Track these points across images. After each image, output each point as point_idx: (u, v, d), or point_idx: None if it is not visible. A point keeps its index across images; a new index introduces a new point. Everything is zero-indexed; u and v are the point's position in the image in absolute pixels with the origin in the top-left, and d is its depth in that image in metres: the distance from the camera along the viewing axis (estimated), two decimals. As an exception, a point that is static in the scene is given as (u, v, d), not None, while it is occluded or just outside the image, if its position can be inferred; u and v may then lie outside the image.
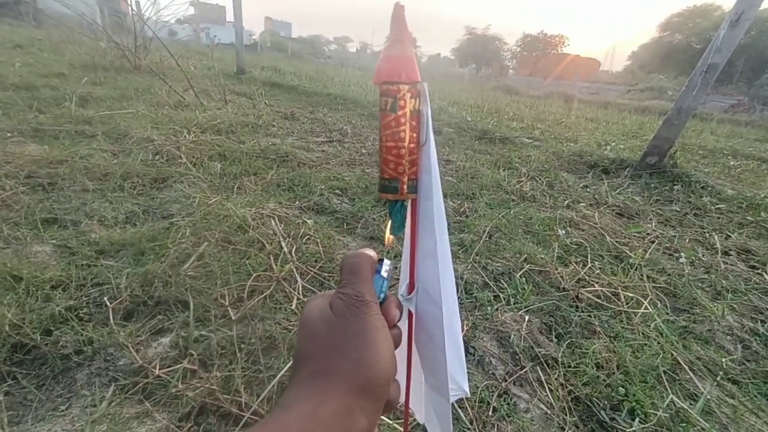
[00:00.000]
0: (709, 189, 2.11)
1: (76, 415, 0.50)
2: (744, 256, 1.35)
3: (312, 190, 1.46)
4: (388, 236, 0.26)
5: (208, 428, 0.50)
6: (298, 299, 0.79)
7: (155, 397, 0.54)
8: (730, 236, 1.48)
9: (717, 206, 1.89)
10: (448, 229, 0.81)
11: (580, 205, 1.64)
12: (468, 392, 0.31)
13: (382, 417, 0.49)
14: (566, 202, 1.71)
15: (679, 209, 1.79)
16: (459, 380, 0.30)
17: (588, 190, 1.96)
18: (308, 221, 1.10)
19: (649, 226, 1.55)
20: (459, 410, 0.61)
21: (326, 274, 0.92)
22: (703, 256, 1.32)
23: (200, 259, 0.84)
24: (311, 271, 0.91)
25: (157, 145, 1.65)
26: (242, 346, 0.64)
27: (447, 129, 3.29)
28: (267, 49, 32.55)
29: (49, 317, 0.64)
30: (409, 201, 0.25)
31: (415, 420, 0.33)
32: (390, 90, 0.22)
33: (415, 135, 0.23)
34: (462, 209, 1.45)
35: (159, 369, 0.57)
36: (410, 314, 0.28)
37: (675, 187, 2.05)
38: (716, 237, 1.43)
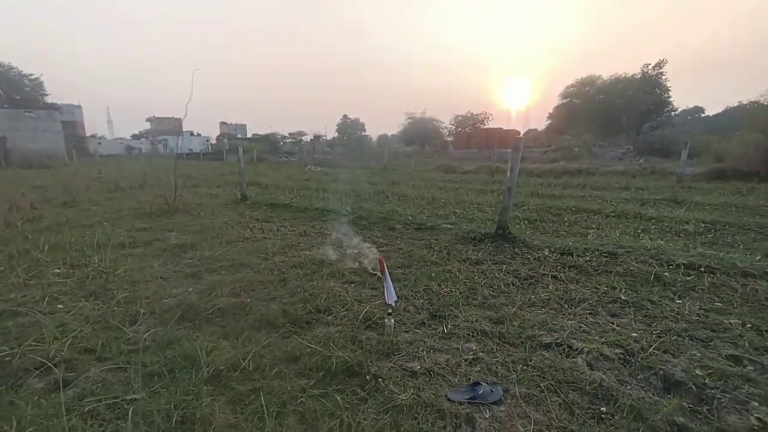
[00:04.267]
0: (526, 243, 4.34)
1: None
2: (514, 273, 3.48)
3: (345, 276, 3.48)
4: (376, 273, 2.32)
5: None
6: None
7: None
8: (511, 265, 3.64)
9: (524, 251, 4.09)
10: (403, 281, 3.17)
11: (456, 263, 3.76)
12: (396, 298, 2.37)
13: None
14: (453, 262, 3.83)
15: (503, 256, 3.96)
16: (393, 296, 2.34)
17: (465, 253, 4.11)
18: (363, 292, 3.12)
19: (485, 266, 3.68)
20: (395, 305, 2.60)
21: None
22: (498, 275, 3.43)
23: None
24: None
25: (269, 266, 3.63)
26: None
27: (398, 226, 5.48)
28: (228, 152, 35.56)
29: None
30: (386, 271, 2.29)
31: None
32: (378, 269, 2.30)
33: (382, 272, 2.30)
34: (405, 273, 3.51)
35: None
36: (385, 287, 2.33)
37: (505, 245, 4.27)
38: (504, 267, 3.58)
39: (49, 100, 41.07)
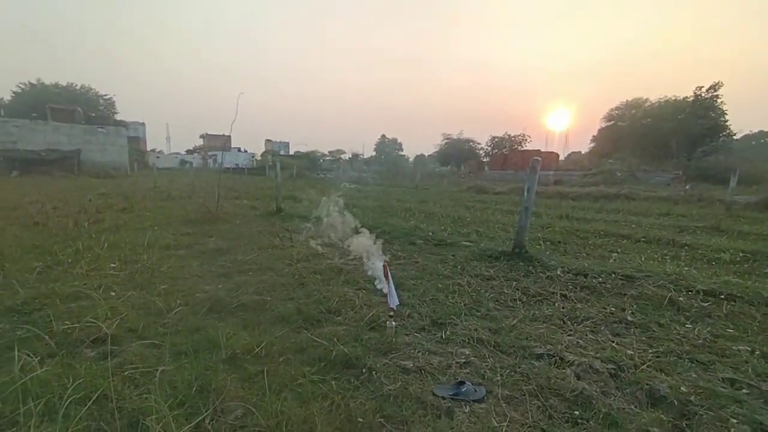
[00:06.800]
0: (541, 262, 4.36)
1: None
2: (523, 289, 3.54)
3: (357, 279, 3.71)
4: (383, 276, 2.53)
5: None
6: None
7: (343, 325, 2.72)
8: (522, 282, 3.70)
9: (538, 270, 4.12)
10: (413, 290, 3.37)
11: (467, 277, 3.88)
12: (398, 302, 2.57)
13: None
14: (465, 276, 3.95)
15: (515, 274, 4.02)
16: (396, 300, 2.54)
17: (479, 269, 4.21)
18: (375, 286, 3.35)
19: (495, 282, 3.76)
20: (396, 309, 2.77)
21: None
22: (507, 291, 3.51)
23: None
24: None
25: (292, 271, 3.95)
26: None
27: (419, 241, 5.66)
28: (270, 168, 37.41)
29: (313, 315, 2.84)
30: (389, 277, 2.51)
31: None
32: (384, 272, 2.52)
33: (386, 277, 2.52)
34: (416, 284, 3.68)
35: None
36: (389, 292, 2.53)
37: (520, 263, 4.32)
38: (514, 284, 3.65)
39: (118, 117, 45.81)
